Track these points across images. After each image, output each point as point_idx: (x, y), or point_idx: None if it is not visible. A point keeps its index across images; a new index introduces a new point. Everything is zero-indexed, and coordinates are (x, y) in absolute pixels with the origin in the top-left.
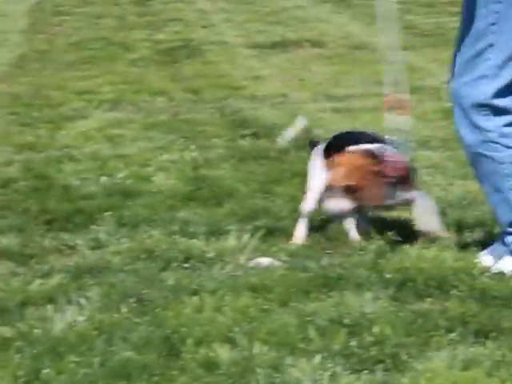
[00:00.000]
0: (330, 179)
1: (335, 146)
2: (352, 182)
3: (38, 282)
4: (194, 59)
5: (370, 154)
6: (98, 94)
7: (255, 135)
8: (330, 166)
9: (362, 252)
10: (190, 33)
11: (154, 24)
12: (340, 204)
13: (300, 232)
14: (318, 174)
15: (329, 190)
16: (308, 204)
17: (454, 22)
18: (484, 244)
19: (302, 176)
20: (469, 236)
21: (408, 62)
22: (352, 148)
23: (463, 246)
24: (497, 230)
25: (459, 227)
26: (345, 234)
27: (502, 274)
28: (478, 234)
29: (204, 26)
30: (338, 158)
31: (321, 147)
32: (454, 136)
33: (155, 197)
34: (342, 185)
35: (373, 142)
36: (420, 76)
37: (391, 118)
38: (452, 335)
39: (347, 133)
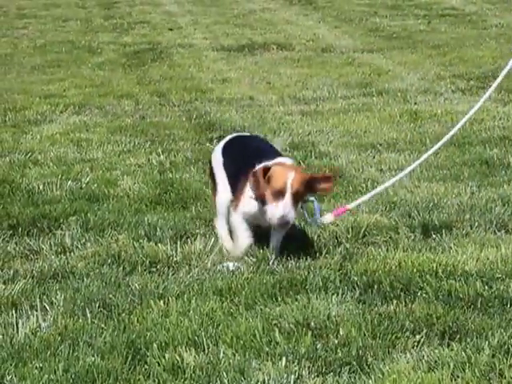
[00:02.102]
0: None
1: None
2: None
3: (1, 287)
4: (160, 62)
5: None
6: (64, 97)
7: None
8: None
9: (328, 255)
10: (157, 36)
11: (121, 27)
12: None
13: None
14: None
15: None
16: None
17: (421, 25)
18: (450, 246)
19: None
20: (435, 238)
21: (375, 64)
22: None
23: (429, 248)
24: (462, 231)
25: (425, 229)
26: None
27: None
28: (443, 237)
29: (171, 29)
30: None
31: (218, 149)
32: (420, 138)
33: (121, 201)
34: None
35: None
36: (387, 78)
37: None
38: (417, 337)
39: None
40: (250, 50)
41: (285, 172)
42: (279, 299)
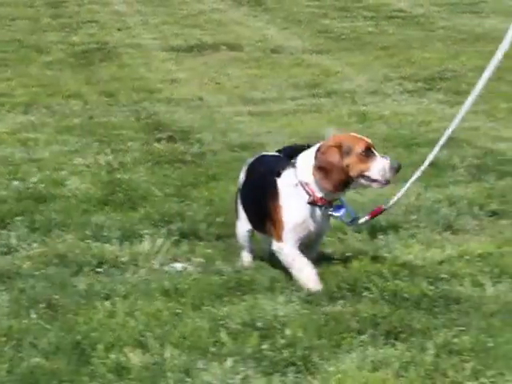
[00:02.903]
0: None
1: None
2: None
3: None
4: (109, 62)
5: None
6: (11, 96)
7: (171, 139)
8: None
9: (275, 255)
10: (106, 35)
11: (69, 26)
12: None
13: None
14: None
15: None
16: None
17: (369, 26)
18: (396, 246)
19: (217, 180)
20: (381, 239)
21: (325, 65)
22: None
23: (376, 249)
24: (408, 233)
25: (372, 230)
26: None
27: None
28: (390, 237)
29: (120, 29)
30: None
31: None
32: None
33: (69, 201)
34: None
35: None
36: (335, 80)
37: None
38: (363, 337)
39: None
40: (199, 50)
41: (353, 135)
42: (226, 300)
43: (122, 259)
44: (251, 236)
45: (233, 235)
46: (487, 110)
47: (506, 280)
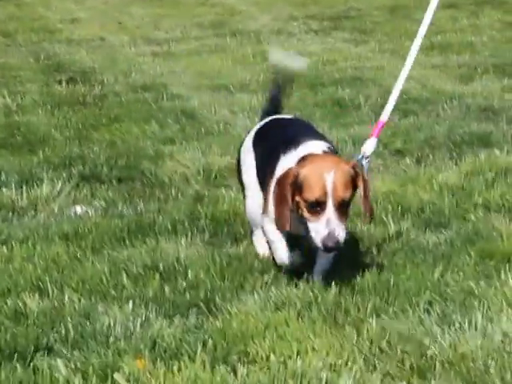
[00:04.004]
0: None
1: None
2: None
3: None
4: (6, 1)
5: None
6: None
7: (72, 80)
8: None
9: (179, 197)
10: None
11: None
12: None
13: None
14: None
15: None
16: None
17: None
18: None
19: (119, 122)
20: None
21: (229, 4)
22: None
23: None
24: None
25: None
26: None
27: None
28: None
29: None
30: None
31: (248, 138)
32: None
33: None
34: None
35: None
36: (240, 19)
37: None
38: (266, 277)
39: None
40: None
41: (320, 171)
42: (127, 243)
43: (20, 204)
44: None
45: (135, 178)
46: (392, 49)
47: (408, 218)
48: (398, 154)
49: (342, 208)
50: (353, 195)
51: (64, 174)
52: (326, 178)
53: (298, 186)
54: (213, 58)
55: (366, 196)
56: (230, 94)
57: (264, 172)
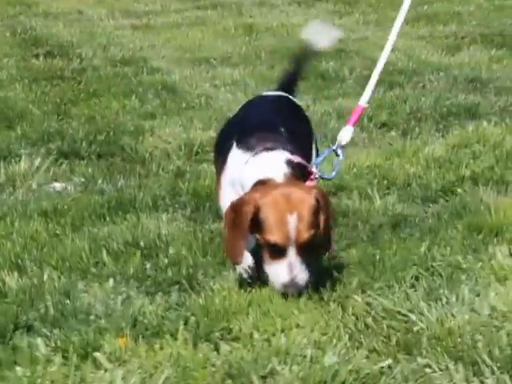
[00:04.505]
0: None
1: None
2: None
3: None
4: None
5: None
6: None
7: (49, 54)
8: None
9: (160, 173)
10: None
11: None
12: None
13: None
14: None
15: None
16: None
17: None
18: None
19: (98, 96)
20: None
21: None
22: None
23: None
24: None
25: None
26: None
27: None
28: None
29: None
30: None
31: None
32: (254, 51)
33: None
34: None
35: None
36: None
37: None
38: None
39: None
40: None
41: (282, 212)
42: (108, 219)
43: None
44: None
45: (115, 153)
46: (376, 20)
47: (394, 192)
48: (383, 127)
49: (307, 247)
50: (318, 229)
51: (42, 150)
52: (289, 221)
53: (257, 222)
54: (193, 31)
55: (325, 229)
56: (212, 67)
57: (218, 156)
